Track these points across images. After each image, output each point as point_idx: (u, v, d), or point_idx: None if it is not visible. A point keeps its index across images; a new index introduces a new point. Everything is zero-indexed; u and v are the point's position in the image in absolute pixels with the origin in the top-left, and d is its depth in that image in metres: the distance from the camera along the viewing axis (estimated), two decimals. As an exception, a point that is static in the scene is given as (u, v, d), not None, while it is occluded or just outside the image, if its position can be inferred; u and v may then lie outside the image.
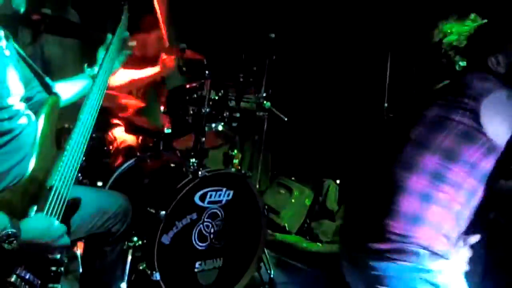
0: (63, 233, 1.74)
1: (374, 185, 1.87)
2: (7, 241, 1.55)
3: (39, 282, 1.68)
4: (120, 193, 2.43)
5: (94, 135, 2.99)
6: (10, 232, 1.55)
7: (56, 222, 1.73)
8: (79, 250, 2.65)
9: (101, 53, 2.25)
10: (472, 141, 1.69)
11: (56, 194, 1.76)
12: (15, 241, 1.56)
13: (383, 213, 1.74)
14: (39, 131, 1.84)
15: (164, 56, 3.55)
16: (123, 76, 3.46)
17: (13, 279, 1.59)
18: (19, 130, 1.83)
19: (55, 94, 1.97)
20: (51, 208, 1.74)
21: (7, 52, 1.87)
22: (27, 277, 1.63)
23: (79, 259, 2.62)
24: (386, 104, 4.79)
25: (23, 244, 1.59)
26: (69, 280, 2.55)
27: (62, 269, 1.76)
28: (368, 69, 4.99)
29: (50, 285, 1.73)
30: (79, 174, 2.88)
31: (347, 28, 5.11)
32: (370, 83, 4.98)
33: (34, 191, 1.74)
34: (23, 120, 1.85)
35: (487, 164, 1.70)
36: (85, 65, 2.29)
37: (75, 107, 2.12)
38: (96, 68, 2.21)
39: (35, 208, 1.70)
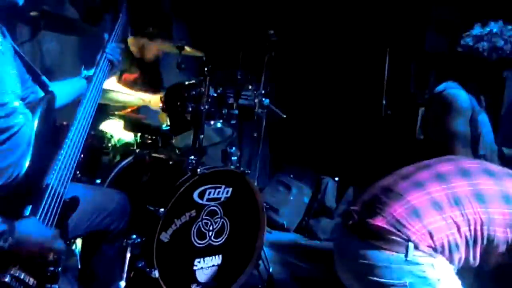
0: (55, 236, 1.73)
1: (394, 179, 1.89)
2: (1, 239, 1.54)
3: (35, 282, 1.67)
4: (119, 191, 2.42)
5: (92, 132, 3.01)
6: (4, 230, 1.55)
7: (46, 226, 1.72)
8: (78, 247, 2.65)
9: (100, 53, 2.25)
10: (508, 205, 1.75)
11: (52, 193, 1.75)
12: (10, 238, 1.55)
13: (391, 196, 1.78)
14: (36, 130, 1.83)
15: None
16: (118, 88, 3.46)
17: (7, 279, 1.58)
18: (17, 128, 1.82)
19: (51, 92, 1.96)
20: (46, 207, 1.73)
21: (3, 49, 1.86)
22: (21, 277, 1.62)
23: (78, 257, 2.62)
24: (384, 101, 4.80)
25: (17, 243, 1.58)
26: (68, 278, 2.54)
27: (60, 269, 1.75)
28: (366, 66, 5.00)
29: (48, 285, 1.72)
30: (78, 172, 2.87)
31: (345, 25, 5.11)
32: (369, 80, 4.98)
33: (29, 190, 1.73)
34: (20, 119, 1.84)
35: (500, 233, 1.74)
36: (82, 67, 2.28)
37: (73, 104, 2.12)
38: (92, 70, 2.20)
39: (30, 207, 1.70)
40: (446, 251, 1.72)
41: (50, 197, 1.75)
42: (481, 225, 1.72)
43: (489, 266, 1.84)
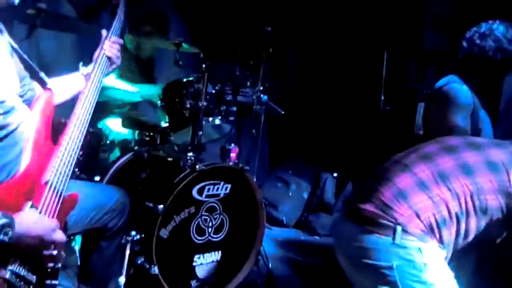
0: (55, 227, 1.72)
1: (386, 166, 1.94)
2: (2, 232, 1.53)
3: (35, 278, 1.67)
4: (118, 188, 2.42)
5: (91, 129, 3.00)
6: (4, 223, 1.53)
7: (46, 217, 1.72)
8: (77, 245, 2.65)
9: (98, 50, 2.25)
10: (494, 172, 1.77)
11: (52, 190, 1.75)
12: (10, 232, 1.54)
13: (381, 182, 1.84)
14: (34, 127, 1.83)
15: None
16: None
17: (7, 275, 1.57)
18: (15, 126, 1.82)
19: (50, 89, 1.96)
20: (46, 204, 1.73)
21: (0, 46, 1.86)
22: (22, 273, 1.61)
23: (77, 254, 2.62)
24: (382, 97, 4.80)
25: (17, 236, 1.57)
26: (68, 275, 2.55)
27: (60, 265, 1.75)
28: (364, 63, 5.00)
29: (48, 281, 1.71)
30: (77, 169, 2.87)
31: (344, 21, 5.11)
32: (367, 76, 4.99)
33: (28, 187, 1.73)
34: (18, 116, 1.84)
35: (492, 200, 1.76)
36: (80, 63, 2.28)
37: (71, 101, 2.11)
38: (91, 66, 2.20)
39: (29, 204, 1.70)
40: (436, 230, 1.74)
41: (50, 194, 1.75)
42: (471, 196, 1.75)
43: (493, 240, 1.87)
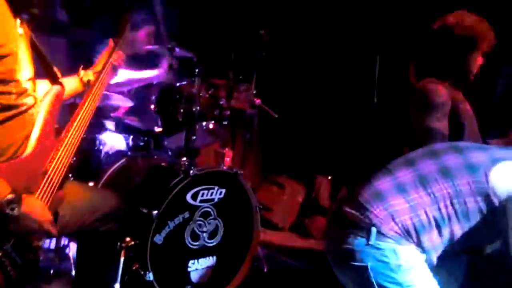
0: (54, 223, 1.78)
1: (374, 171, 1.94)
2: (10, 207, 1.59)
3: (20, 261, 1.70)
4: (114, 194, 2.42)
5: (84, 135, 2.99)
6: (12, 198, 1.60)
7: (48, 211, 1.78)
8: (71, 251, 2.64)
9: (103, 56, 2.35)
10: (472, 174, 1.74)
11: (49, 181, 1.80)
12: (17, 208, 1.61)
13: (363, 184, 1.87)
14: (42, 116, 1.87)
15: None
16: (120, 76, 3.45)
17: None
18: (24, 108, 1.85)
19: (61, 84, 1.99)
20: (42, 192, 1.78)
21: (20, 31, 1.90)
22: (12, 255, 1.66)
23: (72, 261, 2.61)
24: (375, 100, 4.81)
25: (23, 213, 1.63)
26: (61, 282, 2.54)
27: (40, 258, 1.77)
28: (357, 65, 5.00)
29: (28, 269, 1.74)
30: (70, 175, 2.86)
31: (336, 24, 5.12)
32: (360, 79, 4.99)
33: (30, 172, 1.77)
34: (29, 100, 1.87)
35: (471, 203, 1.72)
36: (81, 67, 2.31)
37: (64, 109, 2.13)
38: (90, 72, 2.29)
39: (27, 189, 1.73)
40: (413, 235, 1.72)
41: (46, 184, 1.80)
42: (451, 200, 1.72)
43: (482, 248, 1.85)
